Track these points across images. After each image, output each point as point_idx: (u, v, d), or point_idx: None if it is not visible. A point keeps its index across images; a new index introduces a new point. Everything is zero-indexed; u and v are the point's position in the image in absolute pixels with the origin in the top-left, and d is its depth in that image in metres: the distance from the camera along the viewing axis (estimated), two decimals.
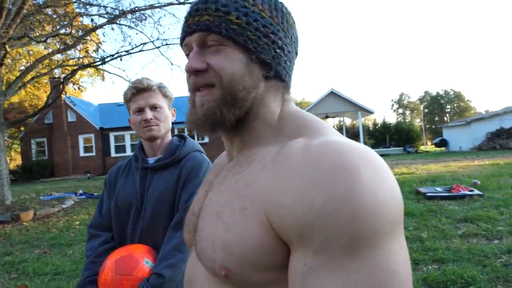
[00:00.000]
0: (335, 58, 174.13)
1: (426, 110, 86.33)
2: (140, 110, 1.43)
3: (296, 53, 0.69)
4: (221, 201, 0.59)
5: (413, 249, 3.93)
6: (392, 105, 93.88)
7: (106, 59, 10.56)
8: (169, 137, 1.54)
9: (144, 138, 1.48)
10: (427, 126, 79.41)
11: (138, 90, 1.42)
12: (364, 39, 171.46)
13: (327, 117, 23.59)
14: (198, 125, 0.63)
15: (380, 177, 0.47)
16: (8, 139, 24.12)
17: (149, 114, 1.42)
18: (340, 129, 32.37)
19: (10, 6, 7.73)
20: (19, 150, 24.43)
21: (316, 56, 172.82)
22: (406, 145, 27.99)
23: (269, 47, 0.61)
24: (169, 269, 1.25)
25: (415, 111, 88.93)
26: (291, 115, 0.65)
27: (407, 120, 73.41)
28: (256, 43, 0.60)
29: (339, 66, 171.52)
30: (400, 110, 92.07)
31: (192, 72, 0.62)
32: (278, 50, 0.62)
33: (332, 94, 22.22)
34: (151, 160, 1.49)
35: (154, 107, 1.43)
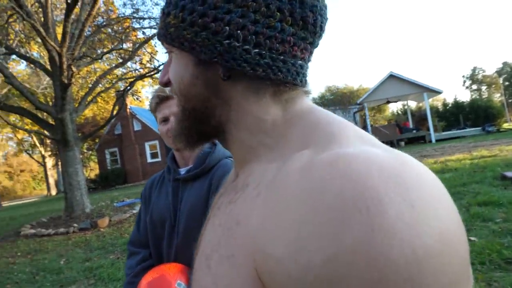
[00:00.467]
0: (391, 38, 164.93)
1: (507, 83, 78.07)
2: (165, 120, 1.36)
3: (310, 29, 0.48)
4: (212, 240, 0.48)
5: (503, 245, 3.32)
6: (464, 82, 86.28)
7: (159, 68, 11.02)
8: None
9: (172, 148, 1.41)
10: (510, 100, 71.81)
11: (161, 98, 1.35)
12: (421, 13, 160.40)
13: (388, 102, 22.22)
14: (176, 143, 0.58)
15: (422, 212, 0.32)
16: (86, 151, 26.46)
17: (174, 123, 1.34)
18: (404, 113, 30.32)
19: (73, 30, 8.36)
20: (96, 160, 26.58)
21: (371, 39, 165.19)
22: (485, 124, 25.23)
23: (210, 41, 0.46)
24: None
25: (493, 86, 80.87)
26: (298, 118, 0.50)
27: (483, 97, 66.99)
28: (192, 42, 0.48)
29: (396, 46, 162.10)
30: (474, 86, 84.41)
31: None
32: (226, 41, 0.46)
33: (392, 77, 20.64)
34: (182, 171, 1.41)
35: None
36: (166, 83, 0.55)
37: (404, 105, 30.86)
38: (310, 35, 0.49)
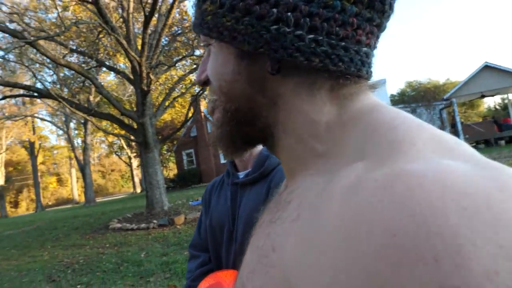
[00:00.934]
0: (483, 24, 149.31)
1: None
2: None
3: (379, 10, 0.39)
4: (249, 265, 0.42)
5: None
6: None
7: None
8: (259, 147, 1.39)
9: None
10: None
11: None
12: None
13: (483, 96, 19.28)
14: (218, 150, 0.50)
15: None
16: (166, 152, 28.30)
17: None
18: (504, 108, 26.75)
19: (151, 41, 9.03)
20: (175, 161, 28.27)
21: (458, 26, 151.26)
22: None
23: (254, 28, 0.38)
24: None
25: None
26: (357, 119, 0.39)
27: None
28: (233, 30, 0.40)
29: (490, 33, 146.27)
30: None
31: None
32: (274, 27, 0.37)
33: (487, 68, 17.75)
34: (241, 175, 1.38)
35: None
36: (204, 82, 0.48)
37: (503, 99, 27.53)
38: (377, 15, 0.39)
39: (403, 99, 33.32)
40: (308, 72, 0.39)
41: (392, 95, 34.53)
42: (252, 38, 0.38)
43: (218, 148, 0.48)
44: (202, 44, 0.50)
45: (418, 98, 21.29)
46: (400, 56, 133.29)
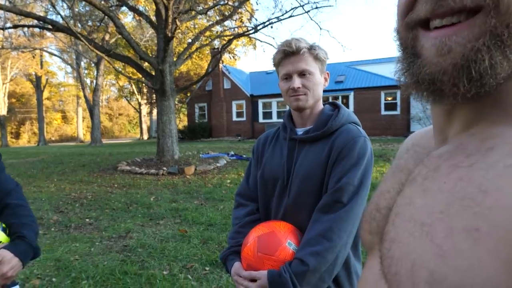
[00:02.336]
0: None
1: None
2: (288, 77, 1.28)
3: None
4: (429, 207, 0.38)
5: None
6: None
7: (258, 27, 11.00)
8: (320, 105, 1.35)
9: (291, 108, 1.34)
10: None
11: (286, 53, 1.27)
12: None
13: None
14: (434, 84, 0.38)
15: None
16: (178, 103, 28.26)
17: (297, 82, 1.25)
18: None
19: None
20: (186, 113, 28.26)
21: None
22: None
23: None
24: (314, 257, 1.11)
25: None
26: None
27: None
28: None
29: None
30: None
31: None
32: None
33: None
34: (300, 131, 1.34)
35: (303, 73, 1.26)
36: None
37: None
38: None
39: None
40: None
41: None
42: None
43: (434, 82, 0.38)
44: None
45: None
46: None
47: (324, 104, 1.39)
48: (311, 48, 1.28)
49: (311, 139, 1.29)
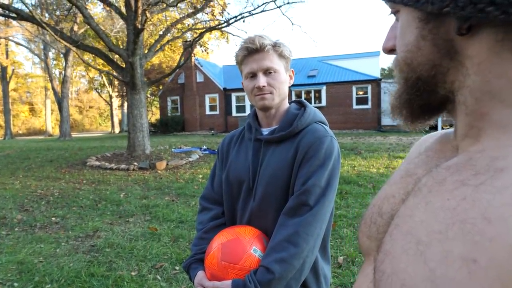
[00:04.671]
0: None
1: None
2: (252, 75, 1.23)
3: None
4: (428, 224, 0.37)
5: None
6: None
7: (230, 21, 10.90)
8: (286, 104, 1.31)
9: (256, 107, 1.30)
10: None
11: (250, 51, 1.21)
12: None
13: None
14: (394, 117, 0.49)
15: None
16: (150, 96, 27.72)
17: (262, 80, 1.20)
18: None
19: None
20: (158, 106, 27.77)
21: None
22: None
23: None
24: (280, 264, 1.07)
25: None
26: None
27: None
28: None
29: None
30: None
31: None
32: None
33: None
34: (265, 131, 1.30)
35: (268, 71, 1.21)
36: (390, 50, 0.47)
37: None
38: None
39: (391, 74, 33.50)
40: (510, 29, 0.34)
41: (382, 69, 34.53)
42: None
43: (396, 116, 0.48)
44: (389, 13, 0.46)
45: None
46: None
47: (290, 103, 1.35)
48: (275, 45, 1.24)
49: (277, 139, 1.25)
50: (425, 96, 0.43)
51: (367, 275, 0.48)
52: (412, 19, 0.41)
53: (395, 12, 0.45)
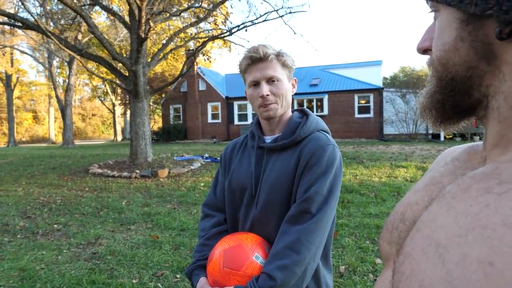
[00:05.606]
0: None
1: None
2: (256, 84, 1.25)
3: None
4: (449, 228, 0.37)
5: None
6: None
7: (233, 30, 10.99)
8: (289, 112, 1.33)
9: (261, 118, 1.32)
10: None
11: (254, 60, 1.23)
12: None
13: None
14: (423, 117, 0.49)
15: None
16: (152, 104, 27.82)
17: (265, 89, 1.22)
18: None
19: None
20: (161, 114, 27.86)
21: None
22: None
23: None
24: (281, 271, 1.08)
25: None
26: None
27: None
28: None
29: None
30: None
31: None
32: None
33: None
34: (268, 139, 1.31)
35: (271, 80, 1.24)
36: (424, 50, 0.47)
37: None
38: None
39: (394, 83, 33.38)
40: None
41: (384, 78, 34.58)
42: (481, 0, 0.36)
43: (426, 116, 0.48)
44: (429, 11, 0.47)
45: (409, 84, 21.45)
46: (397, 40, 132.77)
47: (292, 111, 1.37)
48: (279, 55, 1.25)
49: (279, 147, 1.26)
50: (459, 97, 0.43)
51: (385, 279, 0.48)
52: (453, 19, 0.41)
53: (435, 11, 0.45)
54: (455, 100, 0.44)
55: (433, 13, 0.46)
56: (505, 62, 0.38)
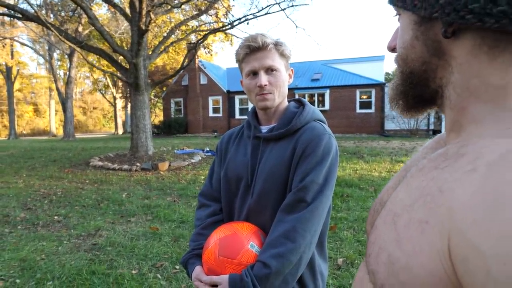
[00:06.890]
0: None
1: None
2: (254, 73, 1.23)
3: None
4: (404, 200, 0.45)
5: None
6: None
7: (234, 23, 10.93)
8: (285, 102, 1.32)
9: (257, 107, 1.31)
10: None
11: (252, 49, 1.21)
12: None
13: None
14: (392, 108, 0.55)
15: None
16: (154, 98, 27.79)
17: (263, 78, 1.21)
18: None
19: None
20: (162, 108, 27.84)
21: None
22: None
23: None
24: (276, 259, 1.08)
25: None
26: None
27: None
28: None
29: None
30: None
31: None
32: None
33: None
34: (264, 129, 1.30)
35: (270, 70, 1.22)
36: (393, 49, 0.53)
37: None
38: None
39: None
40: (486, 34, 0.40)
41: (386, 73, 34.48)
42: (428, 4, 0.43)
43: (394, 106, 0.55)
44: (394, 15, 0.54)
45: None
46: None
47: (289, 101, 1.36)
48: (277, 44, 1.24)
49: (275, 137, 1.25)
50: (418, 88, 0.50)
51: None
52: (410, 21, 0.47)
53: (398, 15, 0.51)
54: (415, 91, 0.50)
55: (397, 17, 0.52)
56: (452, 57, 0.44)
